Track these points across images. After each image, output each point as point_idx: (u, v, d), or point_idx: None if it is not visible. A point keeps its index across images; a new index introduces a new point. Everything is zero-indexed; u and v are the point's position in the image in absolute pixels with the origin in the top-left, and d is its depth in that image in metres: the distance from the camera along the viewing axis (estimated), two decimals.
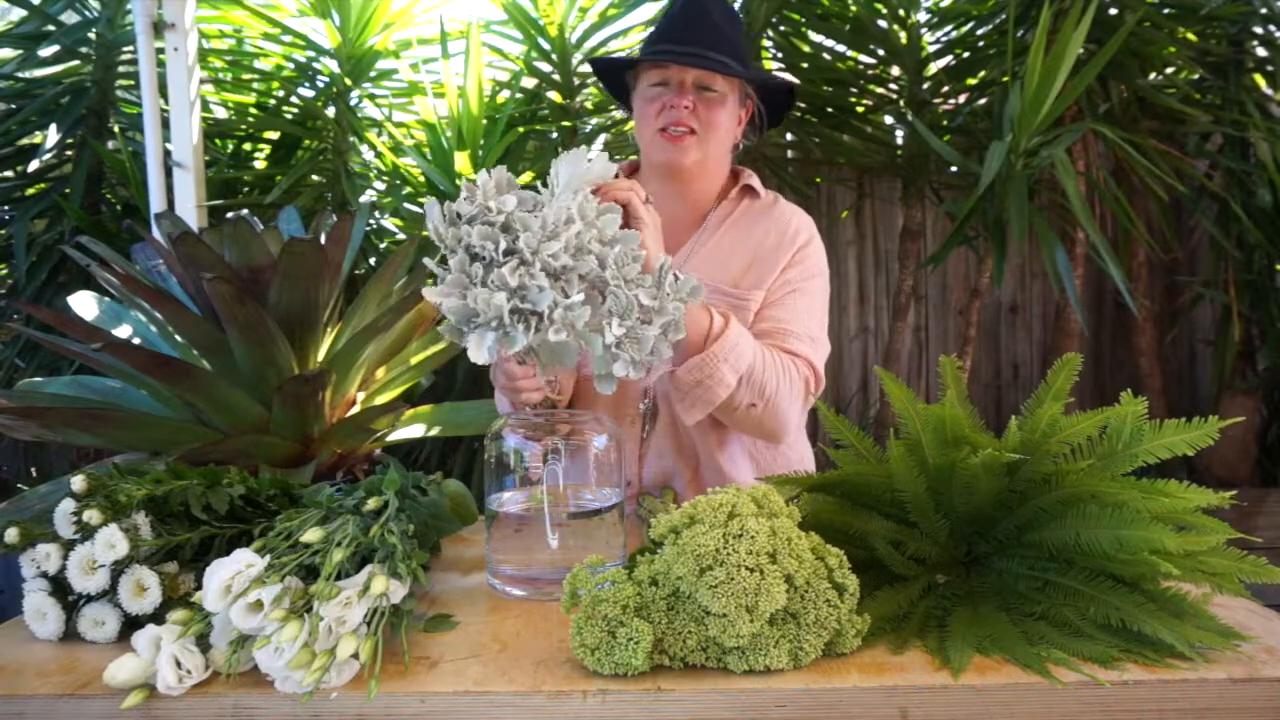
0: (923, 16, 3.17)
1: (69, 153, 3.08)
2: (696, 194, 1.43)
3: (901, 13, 3.12)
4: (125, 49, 3.08)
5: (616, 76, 1.47)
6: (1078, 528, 0.82)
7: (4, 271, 3.15)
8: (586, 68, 3.27)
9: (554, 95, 3.27)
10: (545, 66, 3.24)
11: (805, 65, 3.24)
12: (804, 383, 1.31)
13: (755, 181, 1.47)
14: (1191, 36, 3.03)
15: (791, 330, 1.34)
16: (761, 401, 1.24)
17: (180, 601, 0.86)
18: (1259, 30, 3.04)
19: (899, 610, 0.87)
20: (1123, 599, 0.81)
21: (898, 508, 0.92)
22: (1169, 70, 3.19)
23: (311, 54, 3.26)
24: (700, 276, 1.33)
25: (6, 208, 3.11)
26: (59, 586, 0.89)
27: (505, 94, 3.20)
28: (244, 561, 0.78)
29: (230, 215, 1.68)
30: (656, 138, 1.34)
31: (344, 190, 3.13)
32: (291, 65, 3.33)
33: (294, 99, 3.32)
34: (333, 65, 3.21)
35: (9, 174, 3.15)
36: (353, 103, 3.24)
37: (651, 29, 1.42)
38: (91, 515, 0.87)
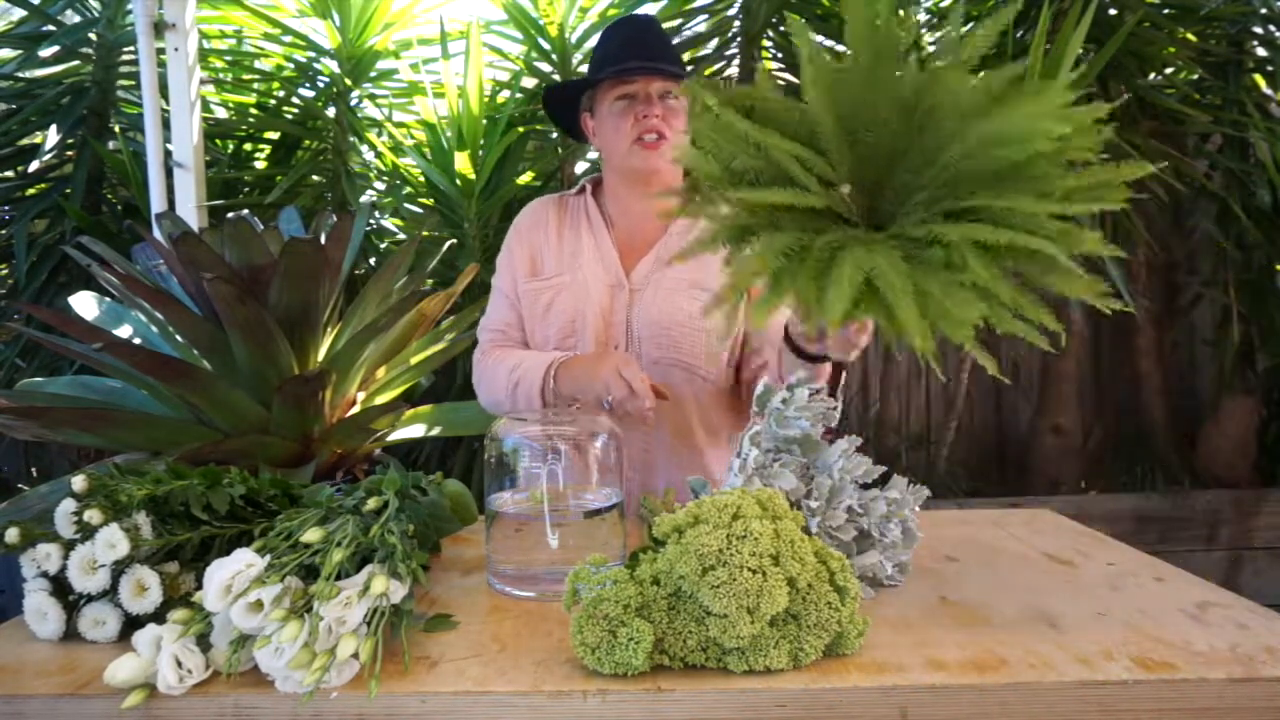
0: (923, 16, 3.17)
1: (69, 153, 3.08)
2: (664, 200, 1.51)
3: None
4: (125, 49, 3.08)
5: (561, 106, 1.58)
6: (976, 135, 0.79)
7: (4, 271, 3.15)
8: (587, 68, 3.27)
9: None
10: (545, 66, 3.24)
11: None
12: None
13: None
14: (1191, 36, 3.03)
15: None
16: None
17: (180, 601, 0.86)
18: (1259, 30, 3.03)
19: (798, 244, 0.82)
20: (1017, 205, 0.79)
21: (809, 135, 0.88)
22: (1169, 70, 3.19)
23: (311, 54, 3.26)
24: (689, 278, 1.46)
25: (7, 208, 3.11)
26: (59, 586, 0.89)
27: (505, 94, 3.20)
28: (244, 561, 0.78)
29: (230, 215, 1.68)
30: (634, 147, 1.44)
31: (344, 190, 3.13)
32: (291, 65, 3.33)
33: (294, 99, 3.32)
34: (333, 65, 3.21)
35: (9, 174, 3.15)
36: (353, 103, 3.24)
37: (594, 51, 1.55)
38: (92, 515, 0.87)
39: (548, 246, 1.55)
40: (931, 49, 0.85)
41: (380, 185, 3.37)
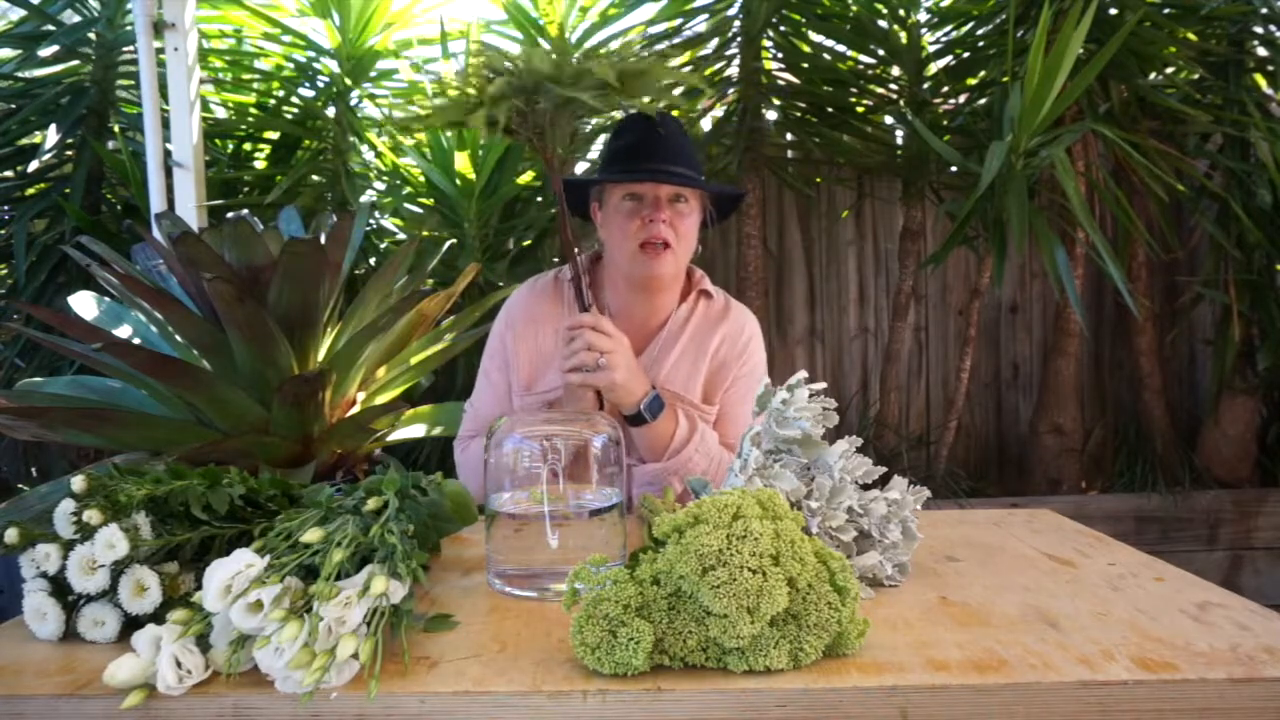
0: (923, 16, 3.17)
1: (69, 153, 3.08)
2: (664, 300, 1.53)
3: (901, 13, 3.12)
4: (125, 49, 3.08)
5: (574, 188, 1.55)
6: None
7: (4, 271, 3.15)
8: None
9: None
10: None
11: (805, 65, 3.24)
12: None
13: (708, 284, 1.59)
14: (1191, 36, 3.03)
15: (733, 442, 1.50)
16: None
17: (180, 601, 0.86)
18: (1259, 30, 3.03)
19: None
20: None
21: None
22: (1169, 70, 3.19)
23: (311, 54, 3.26)
24: (671, 389, 1.48)
25: (6, 208, 3.11)
26: (59, 586, 0.89)
27: None
28: (244, 561, 0.78)
29: (230, 215, 1.68)
30: (637, 254, 1.43)
31: (344, 190, 3.13)
32: (291, 65, 3.33)
33: (294, 99, 3.32)
34: (333, 65, 3.21)
35: (9, 174, 3.15)
36: (353, 103, 3.24)
37: (609, 144, 1.51)
38: (91, 515, 0.87)
39: (545, 356, 1.51)
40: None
41: (380, 185, 3.38)
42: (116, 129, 3.07)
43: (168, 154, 2.46)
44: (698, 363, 1.51)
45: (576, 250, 1.38)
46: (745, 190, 1.84)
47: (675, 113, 1.54)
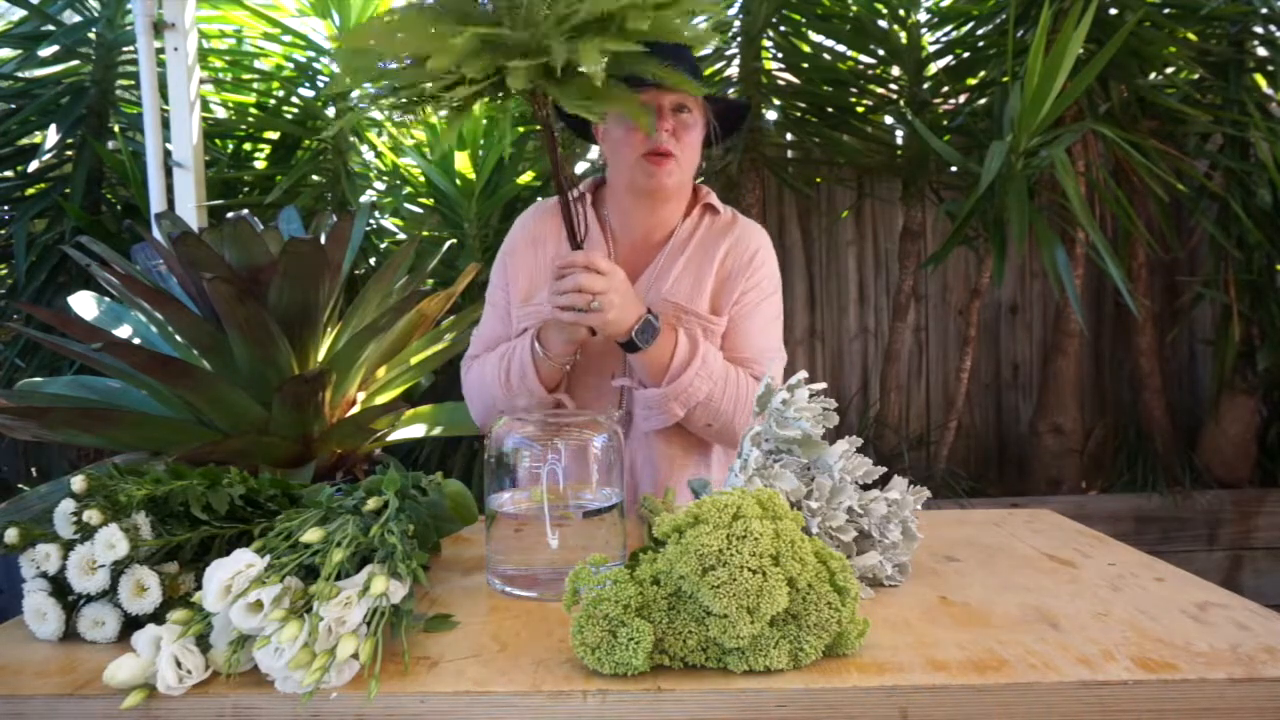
0: (923, 16, 3.17)
1: (69, 153, 3.08)
2: (668, 213, 1.51)
3: (901, 13, 3.12)
4: (125, 49, 3.08)
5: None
6: None
7: (4, 271, 3.15)
8: None
9: None
10: None
11: (805, 65, 3.24)
12: None
13: (714, 199, 1.55)
14: (1191, 36, 3.03)
15: (746, 356, 1.46)
16: (716, 423, 1.40)
17: (180, 601, 0.86)
18: (1259, 30, 3.03)
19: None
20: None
21: None
22: (1169, 70, 3.19)
23: (311, 54, 3.26)
24: (676, 299, 1.45)
25: (6, 208, 3.11)
26: (59, 586, 0.89)
27: None
28: (244, 561, 0.78)
29: (230, 215, 1.68)
30: (641, 162, 1.41)
31: (344, 190, 3.13)
32: (291, 65, 3.33)
33: (294, 99, 3.32)
34: (333, 65, 3.21)
35: (9, 174, 3.15)
36: (353, 103, 3.24)
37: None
38: (91, 515, 0.87)
39: (546, 269, 1.49)
40: None
41: (380, 185, 3.37)
42: (116, 129, 3.07)
43: (168, 154, 2.46)
44: (702, 274, 1.48)
45: (565, 176, 1.34)
46: (748, 101, 1.76)
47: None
